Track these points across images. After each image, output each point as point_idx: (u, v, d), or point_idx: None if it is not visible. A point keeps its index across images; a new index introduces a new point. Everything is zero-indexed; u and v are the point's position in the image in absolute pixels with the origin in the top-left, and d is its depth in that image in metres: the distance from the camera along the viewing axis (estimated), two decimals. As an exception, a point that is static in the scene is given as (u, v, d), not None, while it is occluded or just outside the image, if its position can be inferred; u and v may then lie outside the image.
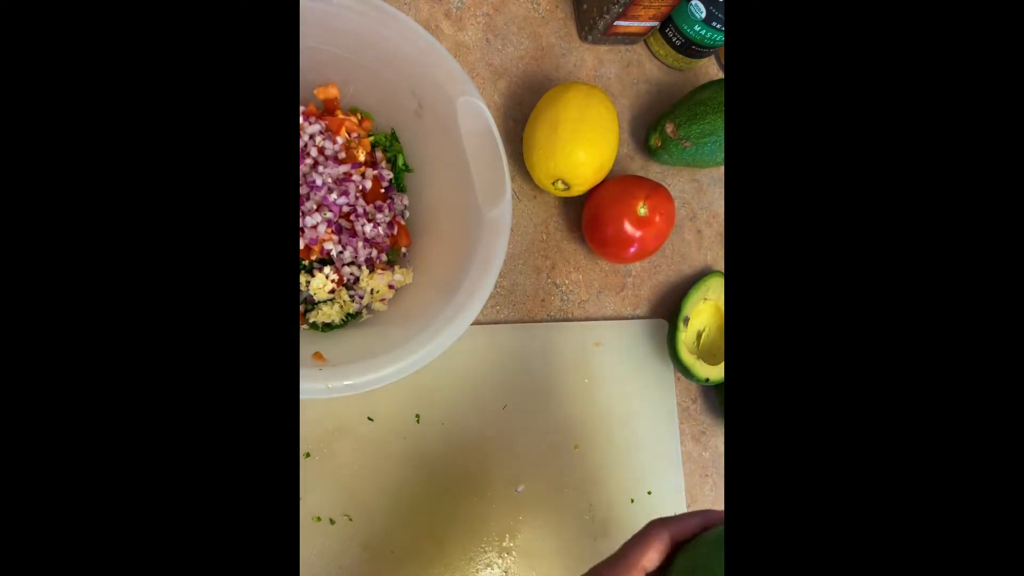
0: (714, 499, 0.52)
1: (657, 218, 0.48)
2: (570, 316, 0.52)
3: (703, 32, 0.53)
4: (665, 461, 0.51)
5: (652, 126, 0.54)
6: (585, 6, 0.55)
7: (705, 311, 0.53)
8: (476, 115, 0.40)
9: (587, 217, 0.50)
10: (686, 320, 0.51)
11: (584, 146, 0.46)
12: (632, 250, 0.48)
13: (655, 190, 0.48)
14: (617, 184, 0.49)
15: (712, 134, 0.50)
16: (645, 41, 0.59)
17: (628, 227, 0.47)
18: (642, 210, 0.47)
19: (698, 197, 0.58)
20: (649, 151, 0.54)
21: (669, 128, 0.52)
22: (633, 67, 0.58)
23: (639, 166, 0.56)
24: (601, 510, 0.48)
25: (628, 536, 0.47)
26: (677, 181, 0.57)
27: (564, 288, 0.52)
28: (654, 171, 0.57)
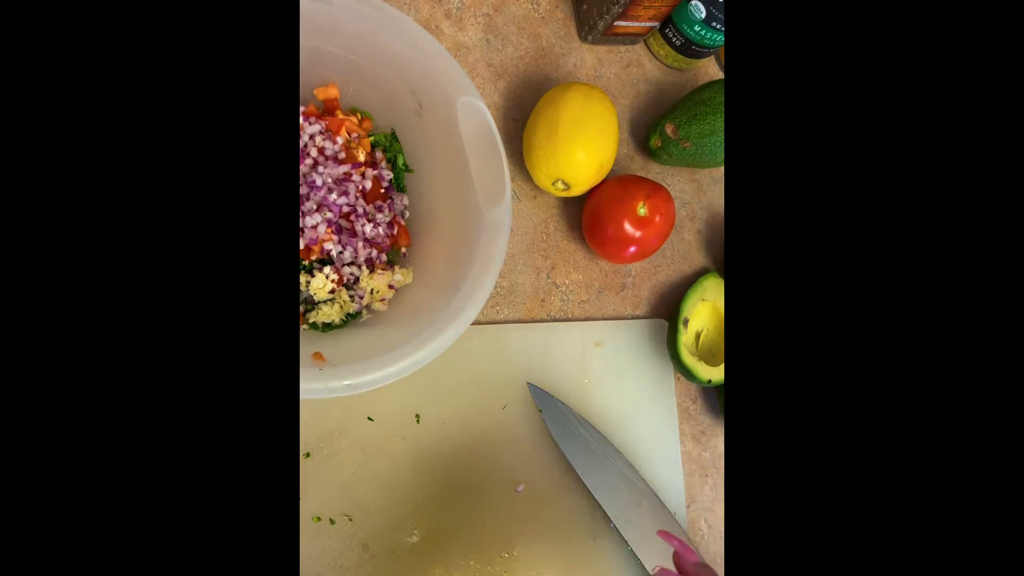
0: (714, 499, 0.52)
1: (657, 218, 0.48)
2: (570, 316, 0.52)
3: (703, 32, 0.53)
4: (665, 461, 0.51)
5: (652, 126, 0.54)
6: (585, 6, 0.55)
7: (703, 312, 0.53)
8: (476, 115, 0.40)
9: (587, 217, 0.50)
10: (686, 322, 0.51)
11: (584, 146, 0.46)
12: (632, 250, 0.48)
13: (655, 190, 0.48)
14: (617, 184, 0.49)
15: (712, 134, 0.50)
16: (645, 41, 0.59)
17: (628, 227, 0.47)
18: (642, 210, 0.47)
19: (698, 197, 0.58)
20: (649, 151, 0.54)
21: (669, 128, 0.52)
22: (633, 67, 0.58)
23: (639, 166, 0.56)
24: (601, 510, 0.48)
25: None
26: (677, 181, 0.57)
27: (564, 288, 0.52)
28: (654, 171, 0.57)
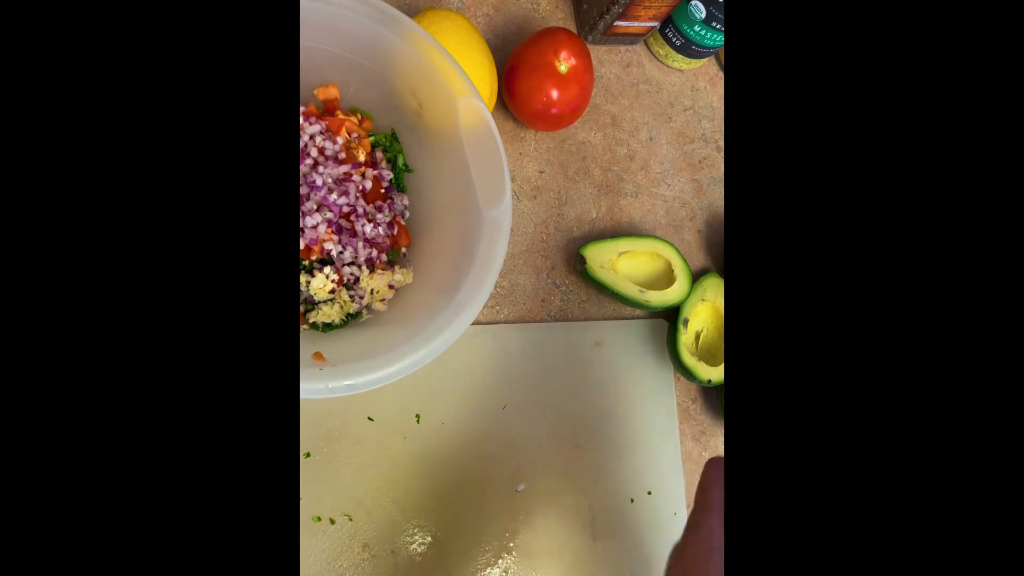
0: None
1: (576, 70, 0.48)
2: (570, 316, 0.52)
3: (703, 32, 0.53)
4: (665, 461, 0.51)
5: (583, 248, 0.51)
6: (585, 6, 0.55)
7: (703, 312, 0.53)
8: (476, 115, 0.40)
9: (505, 82, 0.50)
10: (686, 322, 0.51)
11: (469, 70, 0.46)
12: (554, 111, 0.49)
13: (570, 40, 0.48)
14: (530, 44, 0.49)
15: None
16: (645, 41, 0.59)
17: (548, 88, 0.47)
18: (562, 67, 0.48)
19: (698, 197, 0.58)
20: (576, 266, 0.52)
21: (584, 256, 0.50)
22: (633, 67, 0.58)
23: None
24: (601, 510, 0.48)
25: (628, 536, 0.47)
26: (677, 181, 0.58)
27: (564, 288, 0.52)
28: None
